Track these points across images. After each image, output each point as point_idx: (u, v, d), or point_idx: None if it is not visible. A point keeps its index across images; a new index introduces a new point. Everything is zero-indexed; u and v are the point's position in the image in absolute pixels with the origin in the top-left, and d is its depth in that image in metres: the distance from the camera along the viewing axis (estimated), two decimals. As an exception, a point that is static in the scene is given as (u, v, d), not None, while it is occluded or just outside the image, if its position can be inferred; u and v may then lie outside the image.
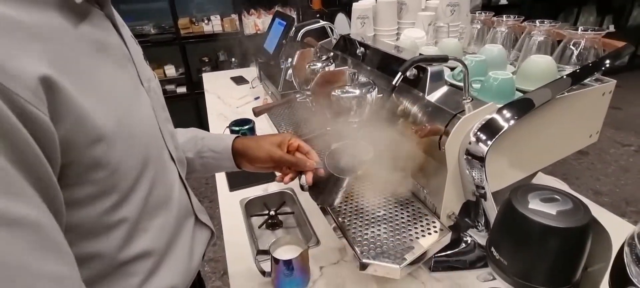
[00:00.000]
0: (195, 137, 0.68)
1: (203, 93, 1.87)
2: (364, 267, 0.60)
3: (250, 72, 2.07)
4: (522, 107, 0.60)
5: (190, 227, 0.54)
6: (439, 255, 0.70)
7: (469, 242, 0.72)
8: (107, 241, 0.40)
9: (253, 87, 1.85)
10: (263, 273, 0.70)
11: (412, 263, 0.60)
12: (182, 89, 3.08)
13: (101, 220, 0.38)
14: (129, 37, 0.47)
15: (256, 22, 2.98)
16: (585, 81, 0.71)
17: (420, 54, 0.76)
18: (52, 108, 0.30)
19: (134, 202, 0.41)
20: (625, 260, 0.39)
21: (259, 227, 0.89)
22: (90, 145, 0.34)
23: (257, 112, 0.91)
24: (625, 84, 4.07)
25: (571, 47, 0.74)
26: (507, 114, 0.59)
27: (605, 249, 0.46)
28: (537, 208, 0.46)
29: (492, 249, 0.51)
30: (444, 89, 0.68)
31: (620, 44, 0.72)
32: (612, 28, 4.23)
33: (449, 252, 0.71)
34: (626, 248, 0.39)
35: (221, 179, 1.06)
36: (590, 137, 0.78)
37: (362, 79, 0.73)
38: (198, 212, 0.57)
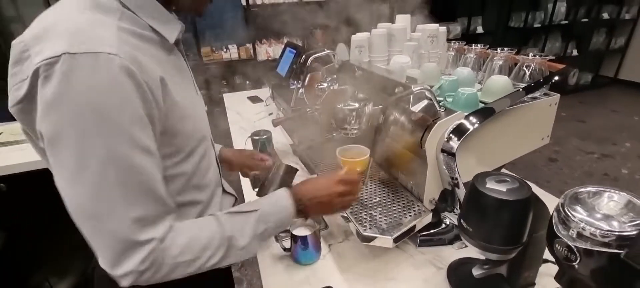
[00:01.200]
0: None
1: (221, 111, 1.96)
2: (364, 239, 0.68)
3: (264, 92, 2.17)
4: (485, 113, 0.70)
5: (220, 194, 0.67)
6: (424, 234, 0.79)
7: (448, 223, 0.81)
8: (173, 185, 0.54)
9: (267, 105, 1.93)
10: (284, 249, 0.79)
11: (402, 235, 0.68)
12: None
13: (169, 171, 0.52)
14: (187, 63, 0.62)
15: (267, 50, 3.12)
16: (536, 95, 0.81)
17: (407, 77, 0.86)
18: (164, 96, 0.47)
19: (191, 163, 0.55)
20: (553, 221, 0.48)
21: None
22: (178, 120, 0.50)
23: (276, 123, 1.01)
24: (589, 101, 4.19)
25: (524, 68, 0.84)
26: (472, 119, 0.69)
27: (544, 218, 0.55)
28: (492, 187, 0.55)
29: (462, 221, 0.60)
30: (425, 102, 0.78)
31: (561, 66, 0.82)
32: (575, 52, 4.38)
33: (431, 231, 0.79)
34: (554, 213, 0.48)
35: (245, 179, 1.15)
36: (542, 139, 0.88)
37: (360, 95, 0.82)
38: (224, 185, 0.70)
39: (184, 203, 0.56)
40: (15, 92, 0.43)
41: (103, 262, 0.46)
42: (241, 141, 1.37)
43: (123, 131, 0.42)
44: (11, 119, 0.48)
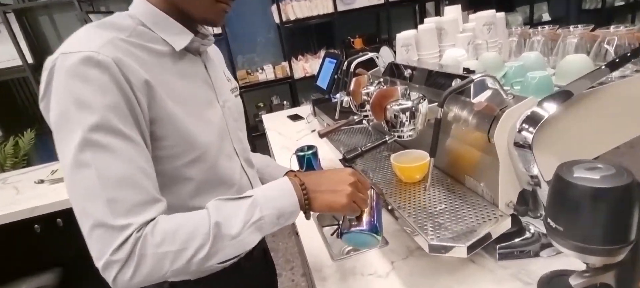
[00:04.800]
0: (264, 161, 0.92)
1: (259, 135, 2.06)
2: (432, 249, 0.67)
3: (304, 110, 2.24)
4: (561, 97, 0.66)
5: None
6: (504, 245, 0.75)
7: (532, 232, 0.76)
8: (183, 188, 0.62)
9: (309, 122, 2.00)
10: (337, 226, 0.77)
11: (476, 244, 0.66)
12: (241, 134, 3.35)
13: (175, 173, 0.60)
14: (217, 74, 0.72)
15: (304, 66, 3.23)
16: (629, 72, 0.76)
17: (464, 69, 0.86)
18: (149, 98, 0.55)
19: (199, 168, 0.63)
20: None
21: (331, 235, 0.99)
22: (169, 123, 0.57)
23: (322, 134, 1.04)
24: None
25: (605, 45, 0.79)
26: (547, 104, 0.66)
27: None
28: (582, 175, 0.52)
29: (549, 221, 0.57)
30: (488, 92, 0.77)
31: (655, 34, 0.76)
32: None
33: (513, 242, 0.75)
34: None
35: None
36: (643, 123, 0.80)
37: (413, 93, 0.83)
38: None
39: (195, 208, 0.58)
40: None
41: (94, 258, 0.50)
42: (285, 160, 1.42)
43: (99, 115, 0.49)
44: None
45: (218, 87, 0.71)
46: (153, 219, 0.52)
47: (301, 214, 0.62)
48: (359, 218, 0.65)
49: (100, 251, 0.49)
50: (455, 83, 0.78)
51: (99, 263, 0.49)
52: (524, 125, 0.66)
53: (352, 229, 0.64)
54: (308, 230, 1.02)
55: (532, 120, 0.66)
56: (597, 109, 0.72)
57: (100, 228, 0.49)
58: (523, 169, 0.69)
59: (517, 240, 0.76)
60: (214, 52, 0.78)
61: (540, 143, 0.65)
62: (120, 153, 0.51)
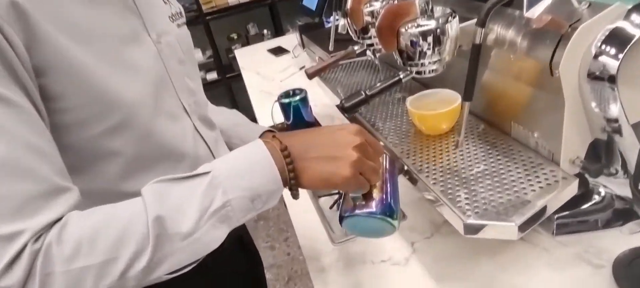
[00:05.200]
0: (231, 119, 0.84)
1: (236, 76, 1.98)
2: (470, 229, 0.61)
3: (290, 40, 2.15)
4: None
5: None
6: (563, 215, 0.70)
7: (602, 194, 0.71)
8: (106, 167, 0.55)
9: (295, 56, 1.92)
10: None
11: (531, 220, 0.60)
12: (212, 75, 3.25)
13: (91, 146, 0.53)
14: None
15: (287, -20, 3.02)
16: None
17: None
18: (27, 36, 0.45)
19: (127, 138, 0.56)
20: None
21: (330, 208, 0.93)
22: (63, 74, 0.48)
23: (310, 74, 0.95)
24: None
25: None
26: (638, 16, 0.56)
27: None
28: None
29: (641, 187, 0.49)
30: (550, 1, 0.67)
31: None
32: None
33: (576, 210, 0.70)
34: None
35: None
36: None
37: (438, 9, 0.74)
38: None
39: (129, 193, 0.50)
40: None
41: None
42: (266, 111, 1.34)
43: None
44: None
45: (147, 13, 0.62)
46: (59, 219, 0.44)
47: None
48: (367, 196, 0.56)
49: None
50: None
51: None
52: (604, 47, 0.58)
53: (357, 211, 0.55)
54: (298, 201, 0.95)
55: (617, 39, 0.57)
56: None
57: None
58: (597, 111, 0.62)
59: (582, 206, 0.71)
60: None
61: (627, 73, 0.57)
62: None
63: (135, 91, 0.56)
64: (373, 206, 0.55)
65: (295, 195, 0.54)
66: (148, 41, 0.61)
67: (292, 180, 0.51)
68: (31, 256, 0.41)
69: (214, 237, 0.48)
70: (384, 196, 0.56)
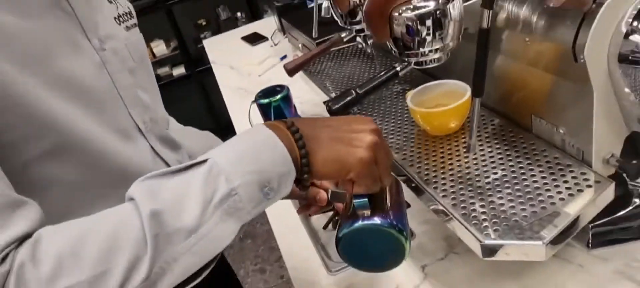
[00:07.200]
0: (202, 141, 0.88)
1: (208, 69, 1.98)
2: (488, 252, 0.61)
3: (268, 25, 2.16)
4: None
5: None
6: (599, 223, 0.70)
7: None
8: (47, 196, 0.54)
9: (275, 44, 1.93)
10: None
11: (561, 236, 0.60)
12: (179, 70, 3.27)
13: (27, 173, 0.54)
14: None
15: (261, -48, 3.02)
16: None
17: None
18: None
19: (67, 163, 0.57)
20: None
21: (324, 228, 0.92)
22: None
23: (290, 69, 0.96)
24: None
25: None
26: (680, -17, 0.57)
27: None
28: None
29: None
30: None
31: None
32: None
33: (614, 217, 0.71)
34: None
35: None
36: None
37: None
38: None
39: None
40: None
41: None
42: (244, 112, 1.34)
43: None
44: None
45: (86, 13, 0.62)
46: (27, 237, 0.44)
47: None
48: (374, 206, 0.56)
49: None
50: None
51: None
52: (636, 24, 0.58)
53: (361, 222, 0.54)
54: (287, 224, 0.97)
55: None
56: None
57: None
58: (634, 98, 0.62)
59: (621, 213, 0.71)
60: None
61: None
62: None
63: (70, 108, 0.56)
64: (382, 217, 0.54)
65: (304, 185, 0.54)
66: (88, 48, 0.62)
67: (304, 159, 0.51)
68: (0, 280, 0.40)
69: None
70: (394, 209, 0.56)
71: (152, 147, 0.68)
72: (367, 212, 0.54)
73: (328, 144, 0.53)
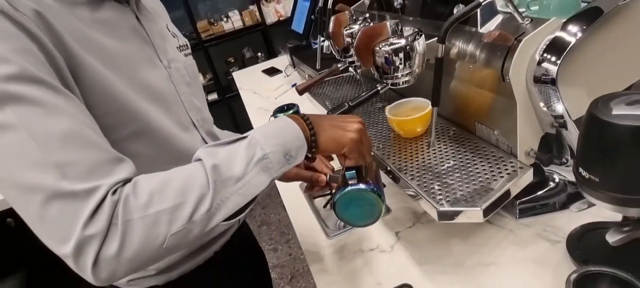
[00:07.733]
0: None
1: (235, 96, 2.00)
2: (442, 216, 0.64)
3: (282, 61, 2.16)
4: (590, 16, 0.60)
5: None
6: (524, 200, 0.73)
7: (557, 181, 0.74)
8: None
9: (287, 75, 1.94)
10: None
11: (494, 205, 0.63)
12: (213, 96, 3.26)
13: (120, 147, 0.53)
14: (155, 28, 0.68)
15: (276, 8, 3.07)
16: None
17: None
18: (66, 56, 0.49)
19: (145, 143, 0.60)
20: None
21: (324, 207, 0.96)
22: (91, 87, 0.52)
23: (300, 90, 0.98)
24: None
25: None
26: (573, 27, 0.60)
27: None
28: (623, 113, 0.48)
29: (580, 170, 0.53)
30: (499, 18, 0.71)
31: None
32: None
33: (535, 195, 0.73)
34: None
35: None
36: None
37: (407, 29, 0.76)
38: None
39: None
40: None
41: (57, 245, 0.43)
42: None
43: (11, 63, 0.43)
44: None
45: (158, 43, 0.67)
46: (128, 180, 0.47)
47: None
48: (359, 177, 0.60)
49: (66, 230, 0.42)
50: (458, 10, 0.71)
51: (67, 249, 0.42)
52: (545, 55, 0.61)
53: (351, 187, 0.58)
54: (297, 204, 0.99)
55: (556, 48, 0.61)
56: (636, 27, 0.66)
57: (57, 200, 0.42)
58: (545, 109, 0.65)
59: (539, 192, 0.74)
60: (152, 2, 0.74)
61: (566, 76, 0.61)
62: (54, 107, 0.45)
63: (150, 105, 0.60)
64: (365, 183, 0.59)
65: (312, 155, 0.59)
66: (160, 66, 0.66)
67: (313, 138, 0.57)
68: (111, 206, 0.44)
69: (260, 181, 0.52)
70: (374, 180, 0.61)
71: (202, 137, 0.71)
72: (355, 181, 0.59)
73: (329, 129, 0.59)
